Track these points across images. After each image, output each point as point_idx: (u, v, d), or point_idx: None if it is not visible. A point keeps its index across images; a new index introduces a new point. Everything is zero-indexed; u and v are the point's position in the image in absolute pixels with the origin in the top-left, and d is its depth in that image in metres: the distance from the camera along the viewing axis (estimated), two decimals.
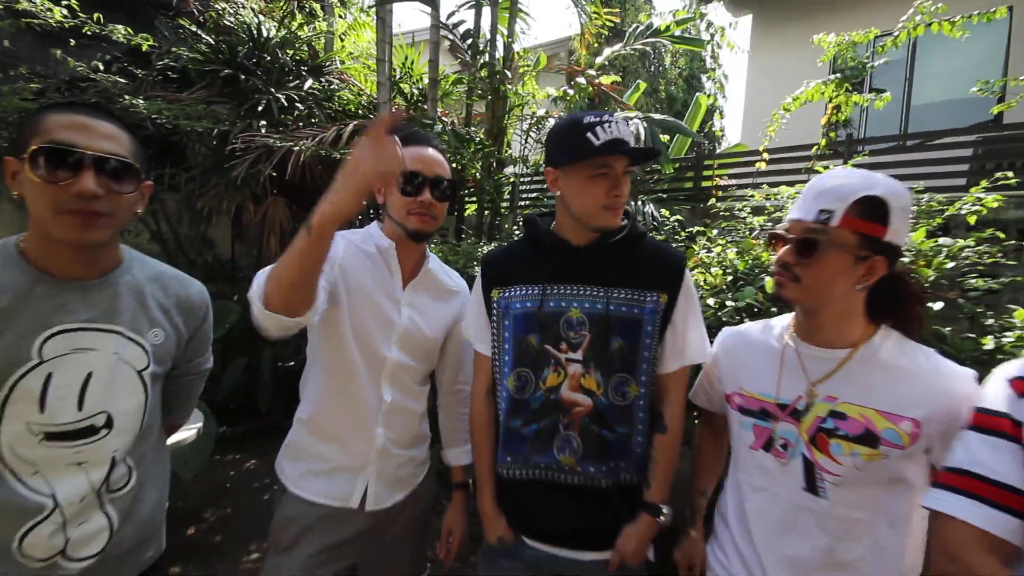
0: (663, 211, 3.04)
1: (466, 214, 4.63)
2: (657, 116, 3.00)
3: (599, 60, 3.98)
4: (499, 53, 4.20)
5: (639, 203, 3.31)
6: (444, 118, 4.38)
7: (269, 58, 3.91)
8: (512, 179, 4.28)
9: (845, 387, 1.06)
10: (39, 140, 0.93)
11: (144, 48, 3.58)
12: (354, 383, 1.35)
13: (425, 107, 4.15)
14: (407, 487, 1.46)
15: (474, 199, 4.41)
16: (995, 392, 0.85)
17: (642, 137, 2.72)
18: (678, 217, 2.95)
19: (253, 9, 4.00)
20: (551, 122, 4.13)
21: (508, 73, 3.80)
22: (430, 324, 1.43)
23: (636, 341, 1.22)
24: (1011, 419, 0.80)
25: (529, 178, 4.61)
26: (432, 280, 1.48)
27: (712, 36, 3.91)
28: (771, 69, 7.58)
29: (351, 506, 1.35)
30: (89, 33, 3.33)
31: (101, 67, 3.45)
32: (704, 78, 13.22)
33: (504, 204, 4.44)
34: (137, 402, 1.09)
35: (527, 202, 4.87)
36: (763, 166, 3.16)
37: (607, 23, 4.91)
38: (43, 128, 0.95)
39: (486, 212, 4.29)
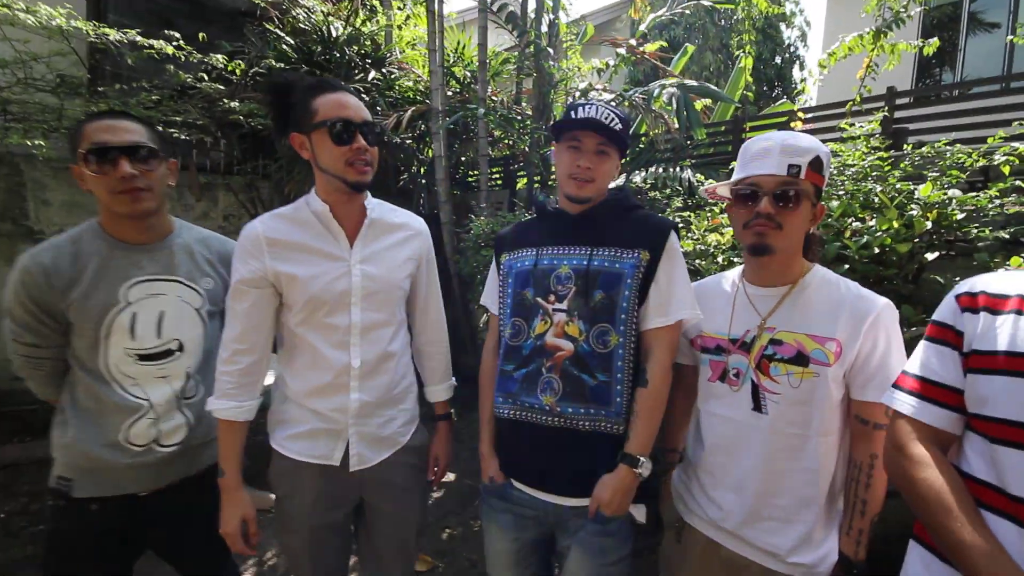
0: (698, 176, 3.15)
1: (518, 187, 4.92)
2: (692, 83, 3.07)
3: (642, 28, 4.04)
4: (544, 29, 4.37)
5: (677, 169, 3.43)
6: (494, 97, 4.66)
7: (338, 54, 4.38)
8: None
9: (782, 318, 1.27)
10: (84, 145, 1.30)
11: (230, 67, 4.13)
12: (320, 356, 1.36)
13: (476, 88, 4.44)
14: (394, 444, 1.48)
15: (523, 173, 4.67)
16: (945, 306, 1.00)
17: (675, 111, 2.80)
18: (711, 181, 3.05)
19: (323, 11, 4.46)
20: (592, 95, 4.27)
21: (551, 50, 3.98)
22: (388, 268, 1.44)
23: (615, 293, 1.30)
24: (954, 330, 0.93)
25: None
26: (380, 226, 1.46)
27: None
28: (849, 19, 7.01)
29: (334, 463, 1.39)
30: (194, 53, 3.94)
31: (205, 77, 4.07)
32: (783, 27, 12.27)
33: (553, 177, 4.68)
34: (199, 332, 1.46)
35: None
36: (799, 125, 3.14)
37: None
38: (84, 136, 1.31)
39: (536, 185, 4.55)
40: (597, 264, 1.35)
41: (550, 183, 4.60)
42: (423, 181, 4.40)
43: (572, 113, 1.36)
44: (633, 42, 3.92)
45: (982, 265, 1.88)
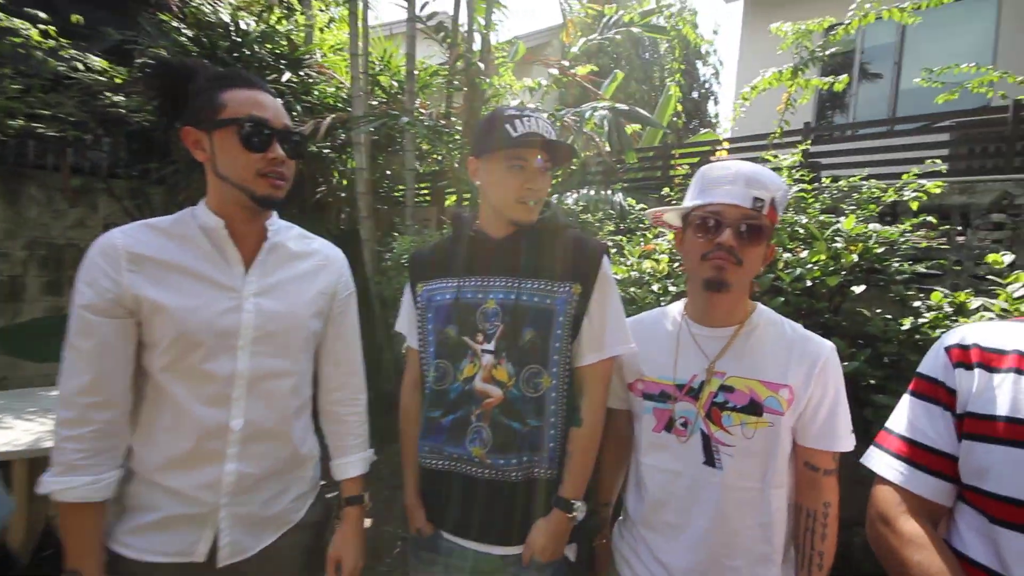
0: (629, 200, 3.12)
1: (447, 204, 4.71)
2: (623, 107, 3.06)
3: (574, 50, 4.03)
4: (476, 47, 4.25)
5: (609, 192, 3.39)
6: (423, 110, 4.45)
7: (248, 52, 3.98)
8: None
9: (732, 362, 1.17)
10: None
11: (104, 64, 3.63)
12: (183, 414, 1.07)
13: (403, 99, 4.21)
14: (283, 524, 1.20)
15: (452, 190, 4.48)
16: (933, 358, 0.91)
17: (611, 130, 2.78)
18: (643, 206, 3.03)
19: (231, 3, 4.06)
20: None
21: (482, 65, 3.85)
22: (292, 303, 1.18)
23: (547, 332, 1.20)
24: (945, 387, 0.85)
25: None
26: (283, 252, 1.21)
27: (672, 23, 3.93)
28: (761, 55, 7.56)
29: (197, 559, 1.08)
30: (69, 47, 3.41)
31: (82, 66, 3.53)
32: (699, 64, 13.17)
33: None
34: None
35: None
36: (724, 155, 3.22)
37: (589, 12, 4.95)
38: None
39: (465, 203, 4.37)
40: (526, 300, 1.21)
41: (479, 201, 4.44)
42: (343, 194, 4.07)
43: (510, 127, 1.17)
44: (565, 63, 3.89)
45: (901, 297, 1.94)
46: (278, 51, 4.28)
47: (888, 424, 0.95)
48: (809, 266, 1.82)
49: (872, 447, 0.95)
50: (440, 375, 1.26)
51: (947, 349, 0.89)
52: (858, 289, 1.82)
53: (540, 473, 1.20)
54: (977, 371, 0.83)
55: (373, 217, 3.82)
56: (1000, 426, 0.78)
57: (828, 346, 1.14)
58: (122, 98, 3.62)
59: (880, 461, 0.92)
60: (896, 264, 1.88)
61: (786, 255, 1.94)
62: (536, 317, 1.20)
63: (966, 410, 0.83)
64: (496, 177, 1.22)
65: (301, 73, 4.16)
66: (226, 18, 3.94)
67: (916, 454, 0.88)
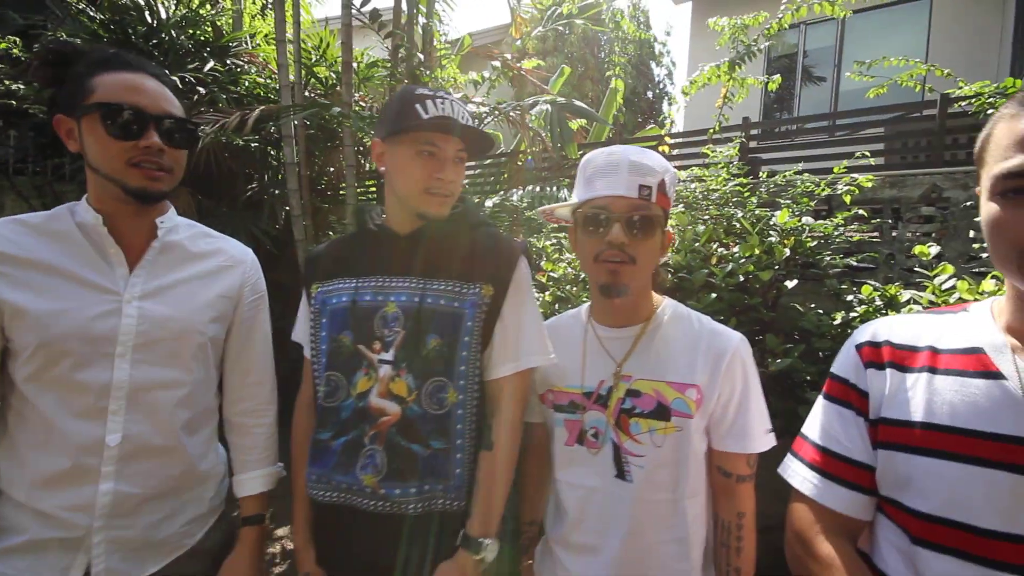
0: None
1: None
2: (563, 100, 2.97)
3: (517, 43, 3.91)
4: (421, 37, 4.08)
5: (554, 188, 3.29)
6: (363, 103, 4.24)
7: (166, 38, 3.68)
8: None
9: (637, 364, 1.07)
10: None
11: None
12: (53, 429, 0.99)
13: (341, 91, 4.00)
14: (174, 549, 1.10)
15: None
16: (844, 357, 0.83)
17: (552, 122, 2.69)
18: None
19: None
20: (471, 107, 4.05)
21: (422, 56, 3.69)
22: (183, 308, 1.09)
23: (454, 339, 1.06)
24: (857, 389, 0.79)
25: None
26: (177, 252, 1.12)
27: (616, 19, 3.88)
28: (709, 54, 7.68)
29: None
30: None
31: None
32: (653, 64, 13.40)
33: None
34: None
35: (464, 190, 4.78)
36: (666, 150, 3.18)
37: (537, 7, 4.85)
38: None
39: None
40: (430, 302, 1.07)
41: None
42: (276, 192, 3.82)
43: (421, 108, 1.03)
44: (508, 56, 3.77)
45: (833, 291, 1.91)
46: (203, 37, 3.99)
47: (804, 429, 0.87)
48: (742, 261, 1.76)
49: (788, 456, 0.87)
50: (331, 390, 1.10)
51: (858, 347, 0.81)
52: (791, 284, 1.77)
53: (445, 505, 1.05)
54: (889, 371, 0.76)
55: (307, 216, 3.59)
56: (916, 433, 0.70)
57: (736, 338, 1.06)
58: (23, 86, 3.27)
59: (795, 473, 0.84)
60: (828, 258, 1.85)
61: (720, 250, 1.89)
62: (441, 322, 1.06)
63: (879, 415, 0.75)
64: (402, 163, 1.08)
65: (228, 62, 3.88)
66: (141, 1, 3.62)
67: (830, 464, 0.80)
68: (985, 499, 0.64)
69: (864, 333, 0.82)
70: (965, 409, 0.67)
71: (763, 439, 1.04)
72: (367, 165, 4.71)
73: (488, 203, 3.59)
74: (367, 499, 1.04)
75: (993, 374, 0.67)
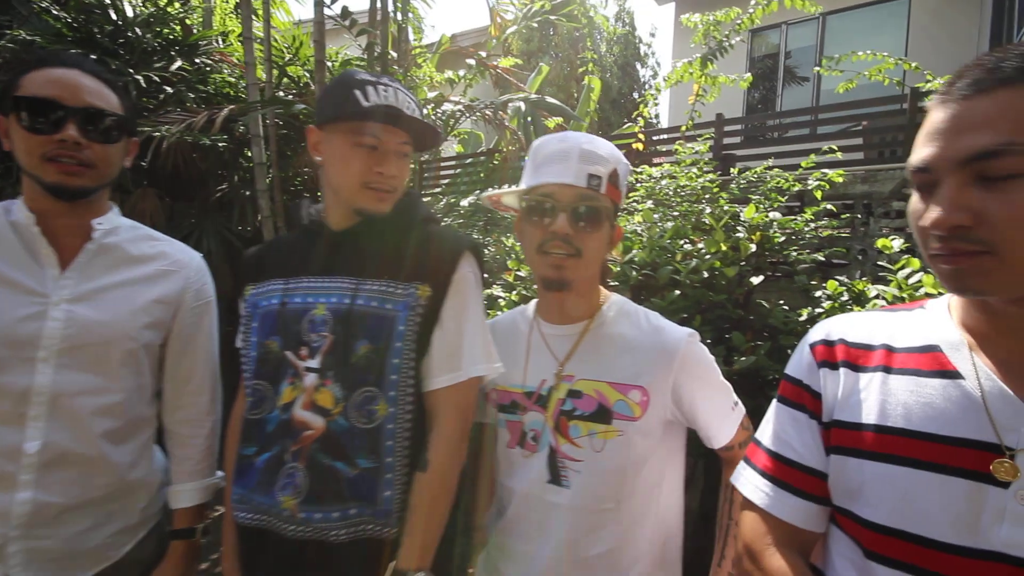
0: None
1: None
2: (536, 97, 2.93)
3: (493, 42, 3.87)
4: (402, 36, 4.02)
5: None
6: None
7: (132, 36, 3.59)
8: (412, 165, 4.14)
9: (580, 363, 1.02)
10: None
11: None
12: None
13: (315, 90, 3.92)
14: (99, 560, 1.05)
15: None
16: (798, 357, 0.78)
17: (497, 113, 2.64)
18: None
19: None
20: (447, 106, 3.99)
21: (394, 53, 3.63)
22: (115, 312, 1.04)
23: (385, 344, 0.96)
24: (810, 390, 0.73)
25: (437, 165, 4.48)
26: (114, 255, 1.07)
27: (590, 15, 3.85)
28: (690, 54, 7.71)
29: None
30: None
31: None
32: (638, 66, 13.43)
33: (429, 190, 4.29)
34: None
35: (438, 188, 4.73)
36: (640, 147, 3.15)
37: (515, 4, 4.81)
38: None
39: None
40: (361, 304, 0.98)
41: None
42: (247, 192, 3.73)
43: (360, 95, 0.96)
44: (483, 54, 3.73)
45: (802, 287, 1.88)
46: (172, 36, 3.89)
47: (757, 434, 0.81)
48: (707, 257, 1.72)
49: (741, 463, 0.82)
50: (256, 400, 1.02)
51: (811, 346, 0.76)
52: (756, 279, 1.73)
53: (374, 532, 0.94)
54: (843, 371, 0.71)
55: (277, 216, 3.51)
56: (868, 437, 0.65)
57: (683, 335, 1.00)
58: None
59: (746, 481, 0.78)
60: (795, 253, 1.81)
61: (687, 246, 1.84)
62: (372, 326, 0.97)
63: (832, 418, 0.70)
64: (340, 154, 1.00)
65: (197, 61, 3.80)
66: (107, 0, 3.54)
67: (782, 471, 0.74)
68: (940, 508, 0.59)
69: (818, 331, 0.77)
70: (920, 411, 0.62)
71: (736, 413, 1.04)
72: None
73: (464, 202, 3.54)
74: (286, 523, 0.95)
75: (950, 373, 0.63)
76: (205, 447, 1.19)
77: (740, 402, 1.04)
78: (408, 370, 0.97)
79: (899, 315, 0.73)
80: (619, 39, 13.07)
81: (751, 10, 2.63)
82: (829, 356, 0.73)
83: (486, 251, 2.45)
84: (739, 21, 2.67)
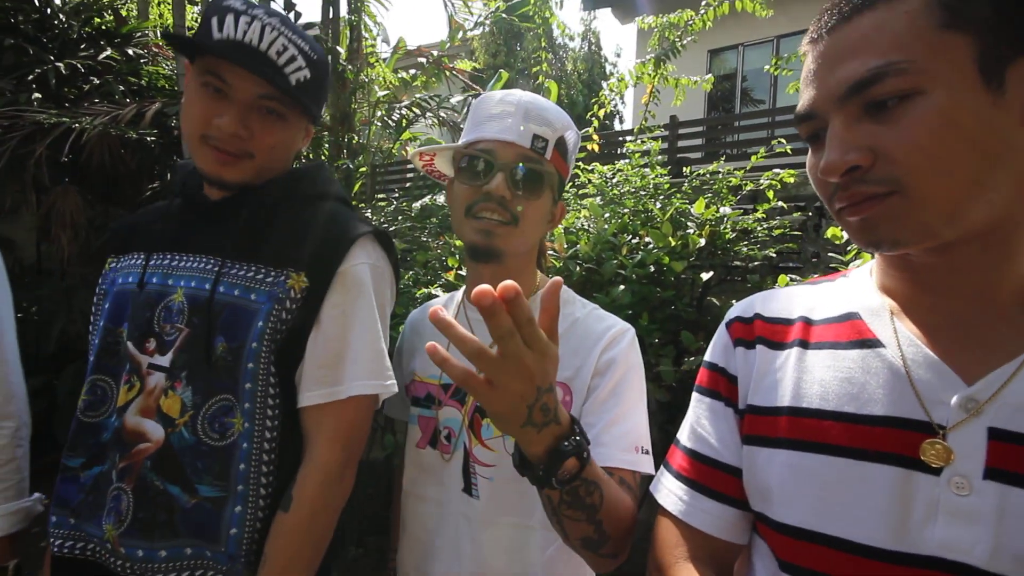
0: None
1: None
2: (483, 93, 2.84)
3: (448, 44, 3.78)
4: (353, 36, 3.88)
5: None
6: None
7: (57, 23, 3.34)
8: (363, 168, 3.97)
9: None
10: None
11: None
12: None
13: None
14: None
15: None
16: (716, 339, 0.68)
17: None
18: None
19: None
20: (401, 107, 3.86)
21: (340, 49, 3.48)
22: None
23: (240, 344, 0.78)
24: (726, 375, 0.63)
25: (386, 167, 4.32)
26: None
27: (537, 11, 3.82)
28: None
29: None
30: None
31: None
32: (604, 84, 13.70)
33: (363, 195, 4.11)
34: None
35: (396, 192, 4.56)
36: (595, 147, 3.09)
37: (470, 12, 4.75)
38: None
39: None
40: (223, 292, 0.80)
41: (352, 202, 4.02)
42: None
43: (216, 23, 0.78)
44: (435, 52, 3.62)
45: (755, 287, 1.80)
46: (104, 25, 3.65)
47: (678, 433, 0.69)
48: (654, 250, 1.61)
49: (660, 467, 0.69)
50: (95, 400, 0.85)
51: (727, 325, 0.66)
52: (706, 276, 1.64)
53: None
54: (759, 349, 0.61)
55: None
56: (781, 423, 0.55)
57: (619, 326, 0.87)
58: None
59: (662, 486, 0.66)
60: (746, 249, 1.74)
61: (633, 240, 1.74)
62: (230, 319, 0.79)
63: (747, 403, 0.59)
64: (187, 99, 0.83)
65: (129, 51, 3.56)
66: None
67: (698, 471, 0.62)
68: (863, 503, 0.49)
69: (736, 308, 0.67)
70: (837, 387, 0.53)
71: (631, 457, 0.79)
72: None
73: (415, 204, 3.39)
74: (111, 556, 0.77)
75: (869, 342, 0.54)
76: (10, 460, 0.97)
77: (649, 451, 0.82)
78: (266, 377, 0.79)
79: (821, 286, 0.64)
80: (585, 57, 13.30)
81: (703, 11, 2.62)
82: (745, 334, 0.63)
83: (429, 252, 2.29)
84: (691, 23, 2.66)
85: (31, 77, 3.06)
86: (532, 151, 0.82)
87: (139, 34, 3.69)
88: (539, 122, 0.83)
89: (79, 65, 3.20)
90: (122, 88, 3.39)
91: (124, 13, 3.83)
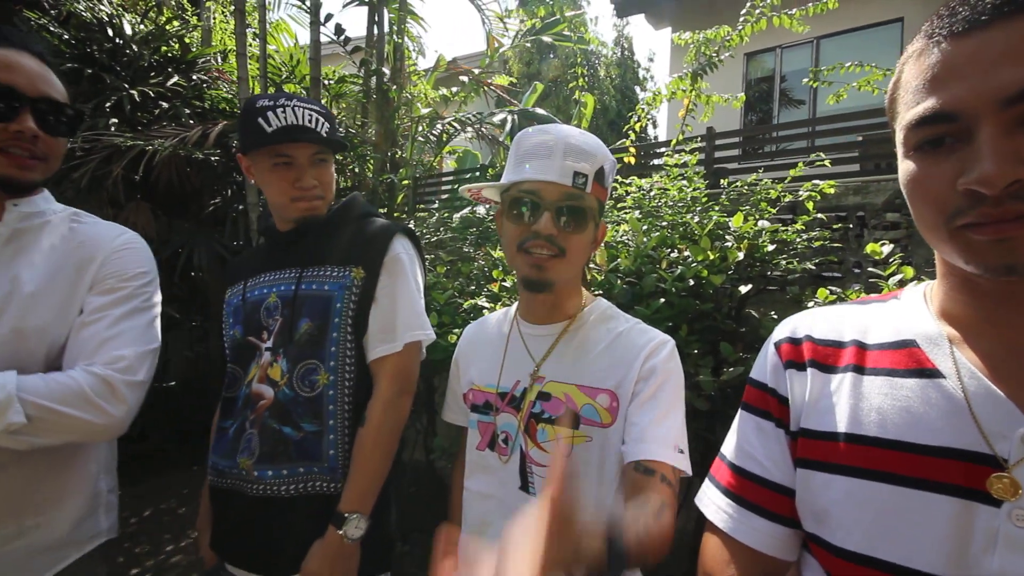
0: None
1: None
2: (522, 108, 2.93)
3: (487, 61, 3.91)
4: (398, 55, 4.07)
5: None
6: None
7: (129, 53, 3.64)
8: (405, 181, 4.14)
9: (553, 365, 0.97)
10: None
11: None
12: None
13: None
14: None
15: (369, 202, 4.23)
16: (763, 358, 0.69)
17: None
18: None
19: (111, 2, 3.72)
20: (441, 123, 4.01)
21: (386, 70, 3.66)
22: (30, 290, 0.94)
23: (325, 321, 1.10)
24: (776, 395, 0.65)
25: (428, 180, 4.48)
26: (31, 235, 0.98)
27: (574, 29, 3.89)
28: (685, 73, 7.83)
29: None
30: None
31: None
32: (637, 89, 13.65)
33: (405, 206, 4.28)
34: None
35: (435, 203, 4.73)
36: (632, 160, 3.14)
37: (508, 28, 4.88)
38: None
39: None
40: (304, 289, 1.12)
41: (395, 214, 4.19)
42: (240, 207, 3.73)
43: (263, 122, 1.08)
44: (476, 70, 3.76)
45: (794, 299, 1.82)
46: (170, 53, 3.95)
47: (723, 448, 0.72)
48: (693, 264, 1.67)
49: (705, 480, 0.73)
50: (229, 382, 1.19)
51: (776, 345, 0.67)
52: (744, 288, 1.68)
53: (322, 488, 1.07)
54: (811, 372, 0.62)
55: None
56: (838, 448, 0.56)
57: (659, 338, 0.94)
58: None
59: (709, 500, 0.69)
60: (785, 262, 1.77)
61: (673, 255, 1.80)
62: (312, 306, 1.11)
63: (800, 426, 0.61)
64: (263, 177, 1.15)
65: (194, 77, 3.84)
66: (105, 17, 3.59)
67: (746, 489, 0.65)
68: (921, 532, 0.50)
69: (783, 329, 0.67)
70: (896, 416, 0.54)
71: (671, 453, 0.86)
72: (342, 182, 4.66)
73: (456, 216, 3.52)
74: (245, 482, 1.08)
75: (928, 372, 0.54)
76: None
77: (686, 452, 0.88)
78: (346, 343, 1.10)
79: (871, 307, 0.64)
80: (618, 63, 13.29)
81: (740, 27, 2.64)
82: (796, 356, 0.64)
83: (473, 264, 2.41)
84: (728, 39, 2.68)
85: (108, 104, 3.35)
86: (574, 188, 0.89)
87: (202, 60, 3.97)
88: (579, 158, 0.90)
89: (150, 91, 3.48)
90: (187, 111, 3.66)
91: (188, 41, 4.12)
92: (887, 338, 0.59)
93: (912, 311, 0.60)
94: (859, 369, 0.58)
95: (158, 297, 1.08)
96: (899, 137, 0.54)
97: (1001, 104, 0.44)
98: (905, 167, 0.53)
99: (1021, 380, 0.49)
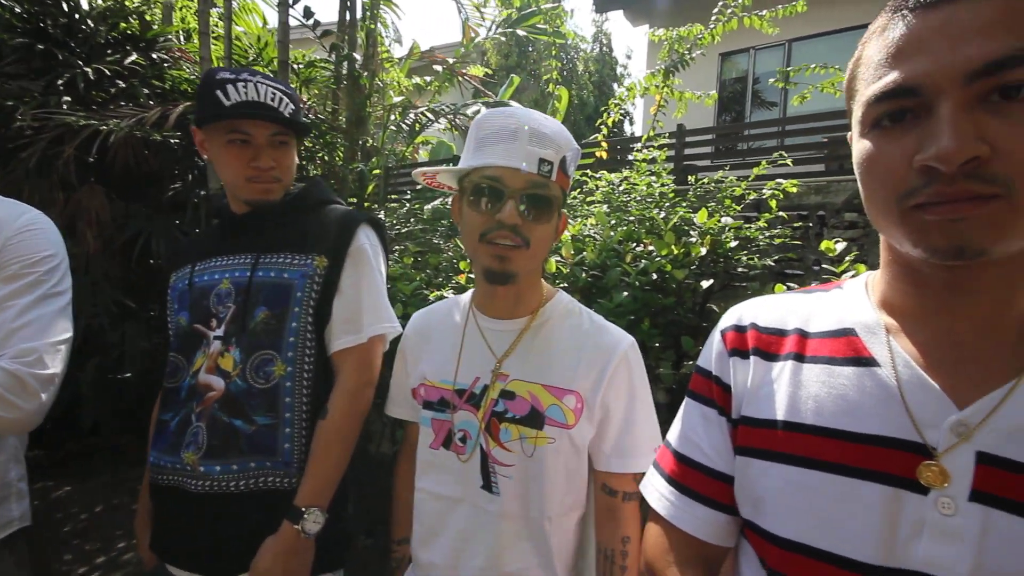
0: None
1: None
2: (497, 100, 2.90)
3: (463, 50, 3.86)
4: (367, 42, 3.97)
5: None
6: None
7: (86, 30, 3.46)
8: (377, 170, 4.06)
9: (517, 362, 0.94)
10: None
11: None
12: None
13: None
14: None
15: (339, 190, 4.14)
16: (709, 346, 0.70)
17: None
18: None
19: None
20: (414, 112, 3.94)
21: (358, 57, 3.57)
22: None
23: (283, 310, 1.06)
24: (720, 383, 0.65)
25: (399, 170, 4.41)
26: None
27: (551, 22, 3.89)
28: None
29: None
30: None
31: None
32: (615, 85, 13.74)
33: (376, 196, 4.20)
34: None
35: (408, 193, 4.66)
36: (604, 155, 3.15)
37: (483, 17, 4.82)
38: None
39: (350, 206, 4.04)
40: (260, 276, 1.07)
41: (365, 204, 4.11)
42: (202, 192, 3.60)
43: (221, 94, 1.02)
44: (451, 60, 3.70)
45: (755, 294, 1.86)
46: (130, 31, 3.77)
47: (668, 435, 0.73)
48: (657, 258, 1.68)
49: (650, 467, 0.74)
50: (171, 371, 1.13)
51: (722, 333, 0.67)
52: (706, 283, 1.71)
53: (275, 483, 1.03)
54: (753, 360, 0.62)
55: None
56: (775, 436, 0.57)
57: (626, 341, 0.94)
58: None
59: (652, 487, 0.70)
60: (747, 258, 1.80)
61: (638, 249, 1.81)
62: (270, 294, 1.07)
63: (740, 414, 0.62)
64: (217, 153, 1.09)
65: (154, 56, 3.68)
66: None
67: (688, 476, 0.66)
68: (853, 520, 0.50)
69: (730, 316, 0.68)
70: (832, 404, 0.54)
71: (651, 457, 0.88)
72: (310, 169, 4.54)
73: (427, 207, 3.48)
74: (189, 478, 1.03)
75: (864, 360, 0.55)
76: None
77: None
78: (306, 333, 1.06)
79: (815, 296, 0.65)
80: (597, 58, 13.34)
81: (712, 26, 2.67)
82: (740, 343, 0.64)
83: (441, 255, 2.38)
84: (700, 37, 2.71)
85: (60, 81, 3.18)
86: (539, 176, 0.84)
87: (163, 39, 3.80)
88: (543, 144, 0.85)
89: (106, 69, 3.32)
90: (146, 91, 3.50)
91: (148, 18, 3.94)
92: (828, 327, 0.60)
93: (853, 301, 0.61)
94: (799, 357, 0.59)
95: (68, 282, 1.02)
96: (856, 115, 0.53)
97: (965, 79, 0.43)
98: (860, 147, 0.52)
99: (954, 370, 0.50)
